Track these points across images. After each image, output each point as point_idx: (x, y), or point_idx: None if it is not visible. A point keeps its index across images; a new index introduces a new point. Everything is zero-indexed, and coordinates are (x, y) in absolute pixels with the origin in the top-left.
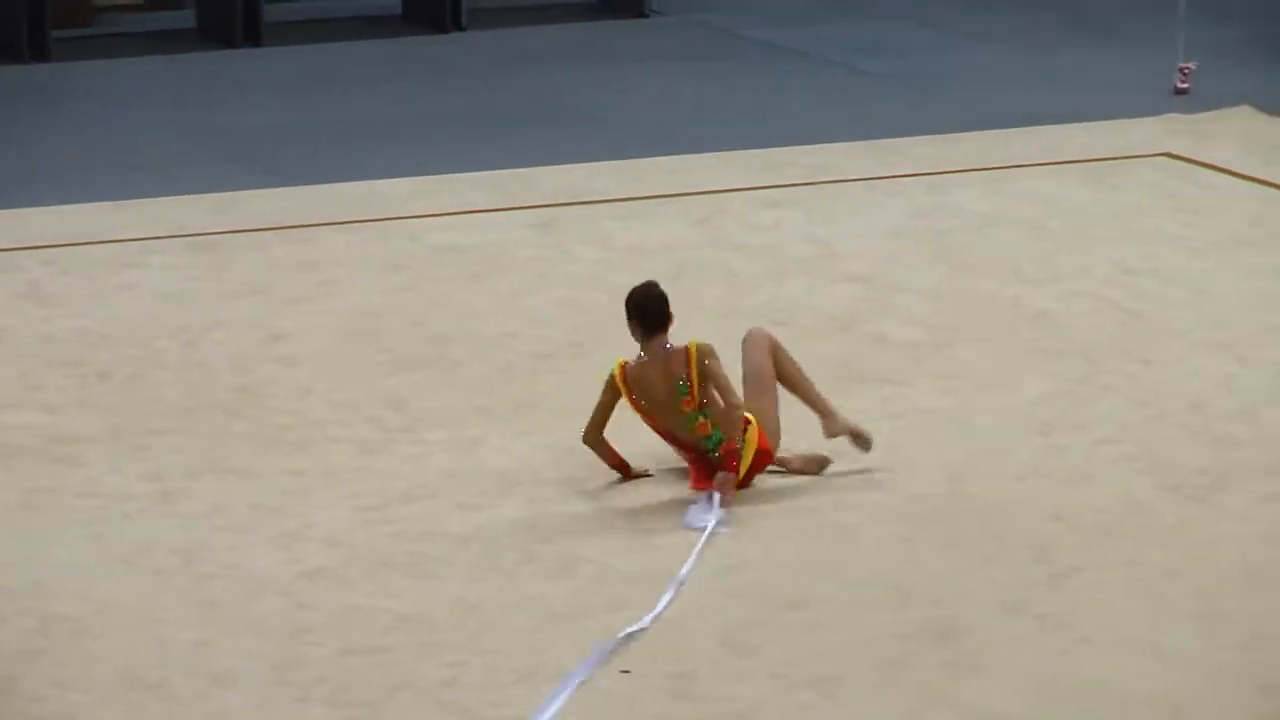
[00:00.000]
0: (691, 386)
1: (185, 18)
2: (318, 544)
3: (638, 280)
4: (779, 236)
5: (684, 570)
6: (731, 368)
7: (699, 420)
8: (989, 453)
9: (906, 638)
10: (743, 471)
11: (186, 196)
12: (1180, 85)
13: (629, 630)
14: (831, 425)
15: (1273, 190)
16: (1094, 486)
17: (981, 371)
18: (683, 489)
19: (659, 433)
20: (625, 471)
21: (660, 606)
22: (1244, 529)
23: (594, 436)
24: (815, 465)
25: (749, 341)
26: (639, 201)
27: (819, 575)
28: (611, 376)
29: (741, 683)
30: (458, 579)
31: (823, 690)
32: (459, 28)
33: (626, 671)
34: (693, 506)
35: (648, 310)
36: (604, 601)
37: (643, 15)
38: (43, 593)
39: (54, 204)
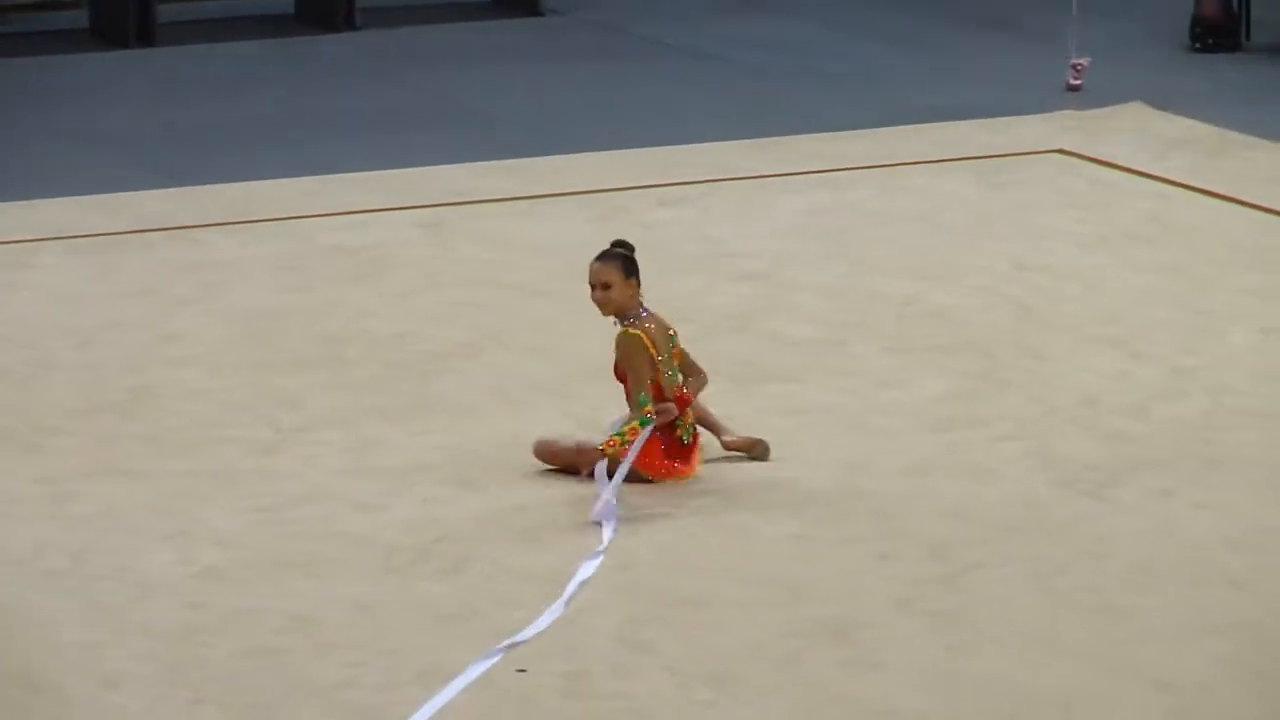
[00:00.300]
0: (678, 340)
1: (78, 18)
2: (211, 545)
3: (532, 277)
4: (673, 235)
5: (573, 586)
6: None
7: (677, 378)
8: (886, 450)
9: (803, 635)
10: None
11: (76, 198)
12: (1073, 82)
13: (517, 639)
14: (728, 440)
15: (1164, 186)
16: (991, 483)
17: (878, 369)
18: (572, 490)
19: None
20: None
21: (547, 618)
22: (1137, 524)
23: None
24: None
25: None
26: (531, 200)
27: (715, 573)
28: (638, 338)
29: (638, 680)
30: (352, 579)
31: (720, 688)
32: (352, 27)
33: (522, 670)
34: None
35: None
36: (497, 600)
37: (537, 14)
38: None
39: None
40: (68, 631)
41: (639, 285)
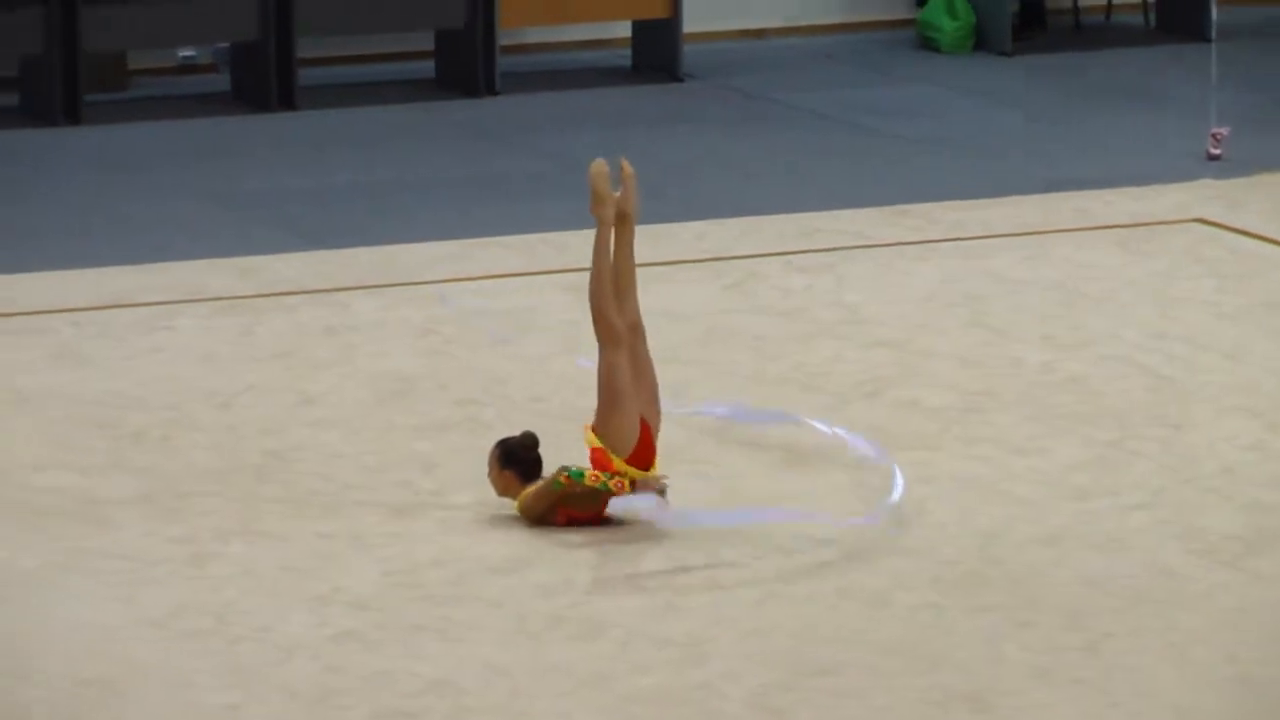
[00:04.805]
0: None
1: (220, 82)
2: (347, 607)
3: (669, 343)
4: (810, 301)
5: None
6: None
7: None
8: (1021, 518)
9: (938, 704)
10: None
11: (216, 260)
12: (1213, 151)
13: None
14: None
15: None
16: (1126, 552)
17: (1013, 437)
18: (711, 554)
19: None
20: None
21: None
22: (1276, 595)
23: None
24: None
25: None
26: (669, 266)
27: (849, 641)
28: (521, 509)
29: None
30: (487, 642)
31: None
32: (492, 92)
33: None
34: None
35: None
36: (632, 666)
37: (676, 80)
38: (72, 655)
39: (85, 266)
40: (209, 693)
41: (521, 476)
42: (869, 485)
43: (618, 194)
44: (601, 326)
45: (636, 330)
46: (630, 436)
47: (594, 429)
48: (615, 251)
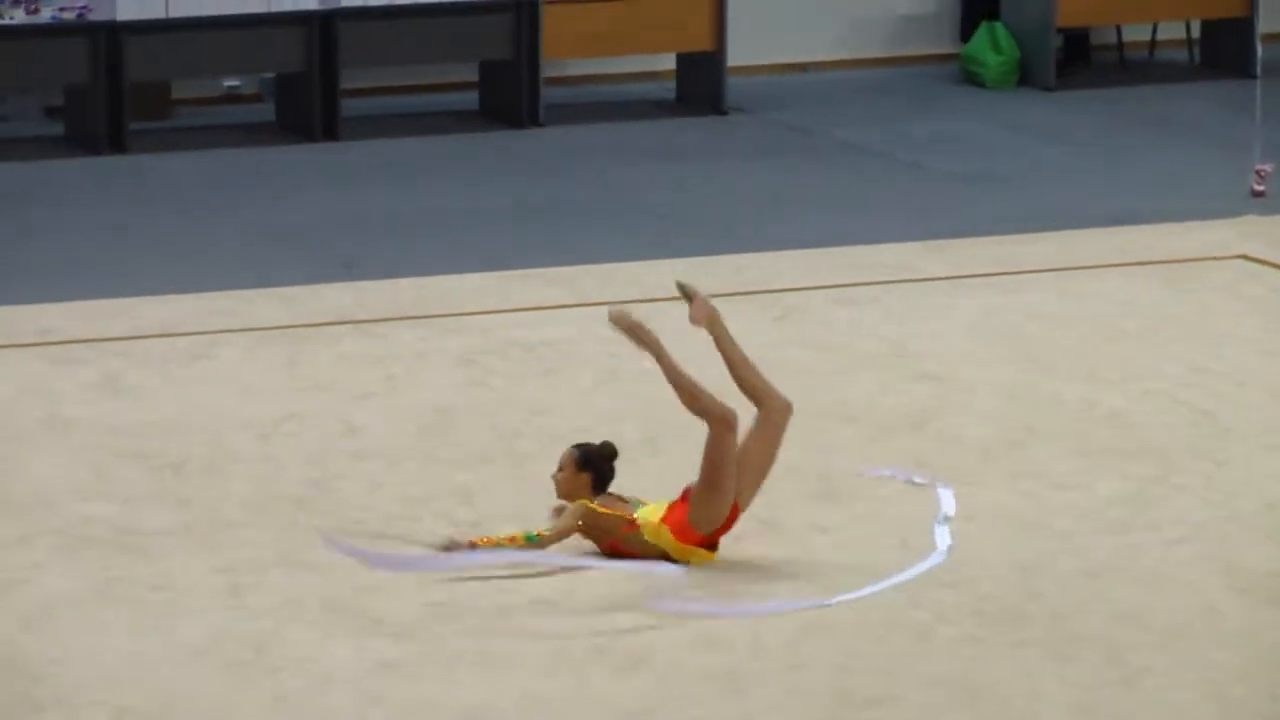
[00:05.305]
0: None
1: (264, 112)
2: (388, 637)
3: (711, 375)
4: (853, 334)
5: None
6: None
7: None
8: (1062, 552)
9: None
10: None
11: (258, 290)
12: (1256, 188)
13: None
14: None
15: None
16: (1167, 587)
17: (1055, 471)
18: (753, 588)
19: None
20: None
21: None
22: None
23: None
24: None
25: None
26: (713, 299)
27: (891, 673)
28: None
29: None
30: (528, 674)
31: None
32: (536, 123)
33: None
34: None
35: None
36: (674, 698)
37: (720, 113)
38: (113, 684)
39: (128, 295)
40: None
41: (593, 483)
42: (903, 519)
43: (689, 310)
44: (703, 416)
45: (785, 411)
46: (720, 517)
47: (688, 496)
48: (720, 352)
